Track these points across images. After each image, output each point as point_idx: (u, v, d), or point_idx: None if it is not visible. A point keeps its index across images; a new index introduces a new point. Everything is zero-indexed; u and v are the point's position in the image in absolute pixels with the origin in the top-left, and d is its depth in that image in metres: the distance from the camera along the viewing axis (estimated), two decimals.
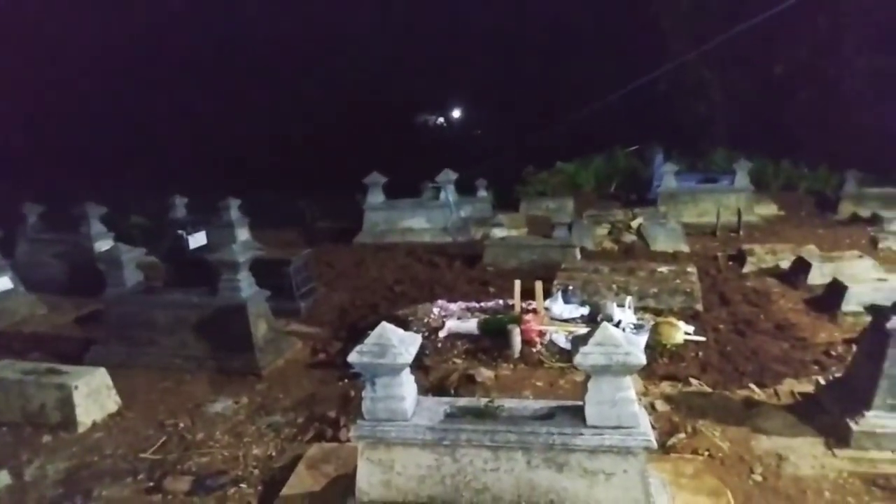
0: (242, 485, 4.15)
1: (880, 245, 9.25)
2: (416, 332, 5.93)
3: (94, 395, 5.13)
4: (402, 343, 3.19)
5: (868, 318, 4.43)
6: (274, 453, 4.54)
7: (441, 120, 27.59)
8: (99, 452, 4.65)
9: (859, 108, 14.81)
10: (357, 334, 6.22)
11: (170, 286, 7.09)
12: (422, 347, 5.68)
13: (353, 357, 3.20)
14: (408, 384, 3.29)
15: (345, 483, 3.58)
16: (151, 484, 4.19)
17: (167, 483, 4.15)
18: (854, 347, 5.25)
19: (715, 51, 15.23)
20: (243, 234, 10.38)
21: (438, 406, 3.44)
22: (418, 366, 5.37)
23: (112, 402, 5.28)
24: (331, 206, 13.45)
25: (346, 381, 5.44)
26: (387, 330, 3.21)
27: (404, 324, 6.10)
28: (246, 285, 6.10)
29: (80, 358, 6.12)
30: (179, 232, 8.62)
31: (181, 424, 5.01)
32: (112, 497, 4.11)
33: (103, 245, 8.49)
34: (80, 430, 4.93)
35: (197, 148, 18.37)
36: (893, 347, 4.00)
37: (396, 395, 3.23)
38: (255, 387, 5.69)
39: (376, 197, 11.64)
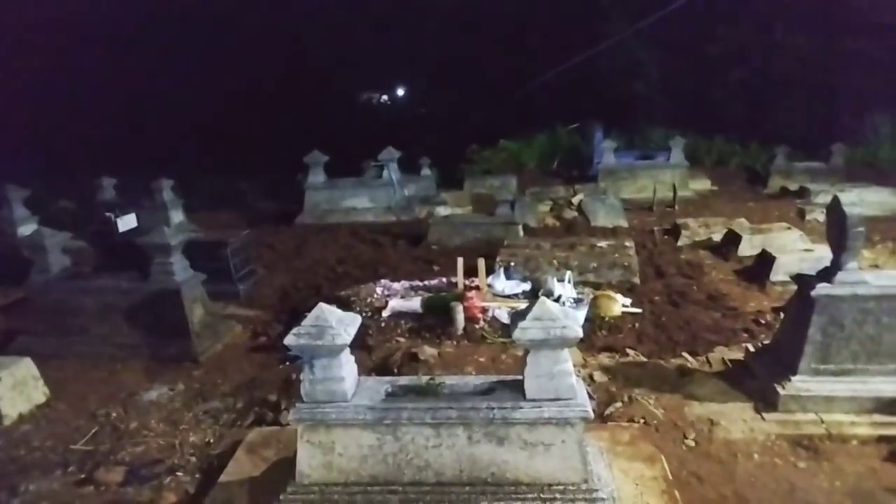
0: (179, 473, 4.04)
1: (807, 217, 9.68)
2: (359, 312, 5.91)
3: (19, 387, 4.89)
4: (340, 323, 3.14)
5: (794, 287, 4.62)
6: (212, 440, 4.43)
7: (385, 98, 27.25)
8: (26, 445, 4.44)
9: (789, 88, 15.41)
10: (298, 316, 6.08)
11: (98, 271, 6.78)
12: (364, 327, 5.69)
13: (289, 339, 3.13)
14: (347, 365, 3.25)
15: (285, 467, 3.52)
16: (83, 476, 4.03)
17: (99, 474, 4.00)
18: (781, 315, 5.48)
19: (652, 31, 15.52)
20: (178, 216, 10.03)
21: (379, 386, 3.42)
22: (361, 346, 5.34)
23: (40, 394, 5.04)
24: (271, 186, 13.14)
25: (287, 363, 5.34)
26: (324, 311, 3.15)
27: (347, 304, 6.03)
28: (180, 269, 5.89)
29: (4, 349, 5.80)
30: (107, 214, 8.23)
31: (114, 414, 4.83)
32: (40, 491, 3.93)
33: (27, 230, 8.06)
34: (6, 423, 4.70)
35: (131, 129, 17.57)
36: (817, 314, 4.19)
37: (336, 377, 3.18)
38: (193, 373, 5.53)
39: (317, 176, 11.42)
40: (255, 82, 18.86)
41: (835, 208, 4.17)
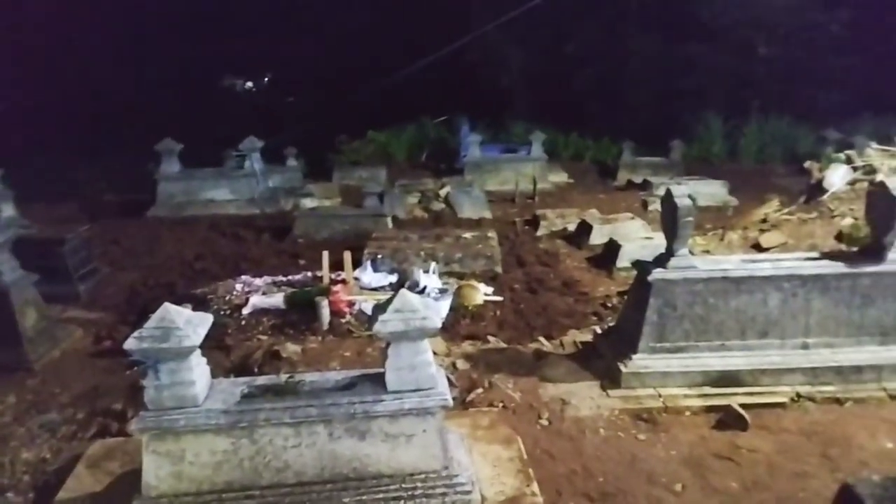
0: (9, 494, 3.67)
1: (650, 207, 10.53)
2: (217, 310, 5.65)
3: None
4: (188, 324, 2.97)
5: (635, 273, 5.01)
6: (48, 455, 4.05)
7: (249, 84, 26.00)
8: None
9: (635, 87, 16.65)
10: (148, 318, 5.71)
11: None
12: (223, 326, 5.46)
13: (130, 343, 2.92)
14: (198, 368, 3.09)
15: (131, 480, 3.28)
16: None
17: None
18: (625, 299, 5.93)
19: (515, 27, 16.10)
20: (7, 209, 8.96)
21: (234, 387, 3.28)
22: (218, 346, 5.11)
23: None
24: (119, 176, 12.12)
25: (134, 369, 4.98)
26: (170, 311, 2.96)
27: (203, 303, 5.74)
28: (7, 269, 5.31)
29: None
30: None
31: None
32: None
33: None
34: None
35: None
36: (654, 297, 4.58)
37: (185, 381, 3.01)
38: (26, 383, 5.03)
39: (171, 166, 10.70)
40: (103, 65, 17.24)
41: (668, 200, 4.57)
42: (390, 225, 9.02)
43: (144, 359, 2.99)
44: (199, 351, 3.08)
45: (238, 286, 6.31)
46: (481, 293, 6.19)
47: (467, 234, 8.05)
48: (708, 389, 4.49)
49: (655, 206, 10.37)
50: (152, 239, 9.01)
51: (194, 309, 4.02)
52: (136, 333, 2.94)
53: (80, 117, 15.98)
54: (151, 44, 17.75)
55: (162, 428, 3.02)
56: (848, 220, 8.05)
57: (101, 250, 7.96)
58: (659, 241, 7.32)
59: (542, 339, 5.47)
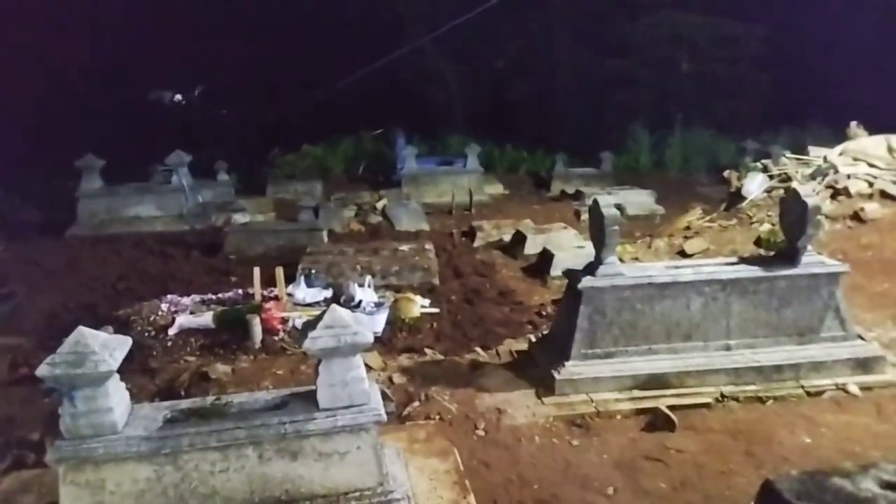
0: None
1: (582, 217, 10.76)
2: (141, 332, 5.43)
3: None
4: (104, 348, 2.84)
5: (567, 281, 5.11)
6: None
7: (178, 97, 25.23)
8: None
9: (566, 100, 17.11)
10: None
11: None
12: (147, 348, 5.25)
13: (42, 370, 2.76)
14: (116, 394, 2.94)
15: None
16: None
17: None
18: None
19: (448, 41, 16.32)
20: None
21: (157, 412, 3.14)
22: (143, 369, 4.91)
23: None
24: (36, 193, 11.50)
25: (52, 396, 4.70)
26: (84, 335, 2.82)
27: (126, 324, 5.51)
28: None
29: None
30: None
31: None
32: None
33: None
34: None
35: None
36: (584, 305, 4.68)
37: (102, 408, 2.86)
38: None
39: (92, 182, 10.24)
40: (19, 76, 16.35)
41: (595, 210, 4.71)
42: (326, 239, 8.92)
43: (58, 386, 2.83)
44: (116, 376, 2.94)
45: (164, 306, 6.09)
46: (418, 305, 6.19)
47: (404, 247, 8.04)
48: (637, 393, 4.62)
49: (587, 215, 10.66)
50: (73, 259, 8.57)
51: (116, 331, 3.87)
52: (48, 360, 2.79)
53: None
54: (72, 53, 16.99)
55: (79, 457, 2.86)
56: (766, 226, 8.48)
57: (18, 272, 7.53)
58: (591, 250, 7.53)
59: (478, 349, 5.50)
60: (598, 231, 4.69)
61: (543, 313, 6.35)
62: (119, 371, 2.96)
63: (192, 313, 5.88)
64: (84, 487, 2.92)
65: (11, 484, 3.67)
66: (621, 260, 4.95)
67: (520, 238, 8.70)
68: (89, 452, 2.87)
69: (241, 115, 18.55)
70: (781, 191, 8.54)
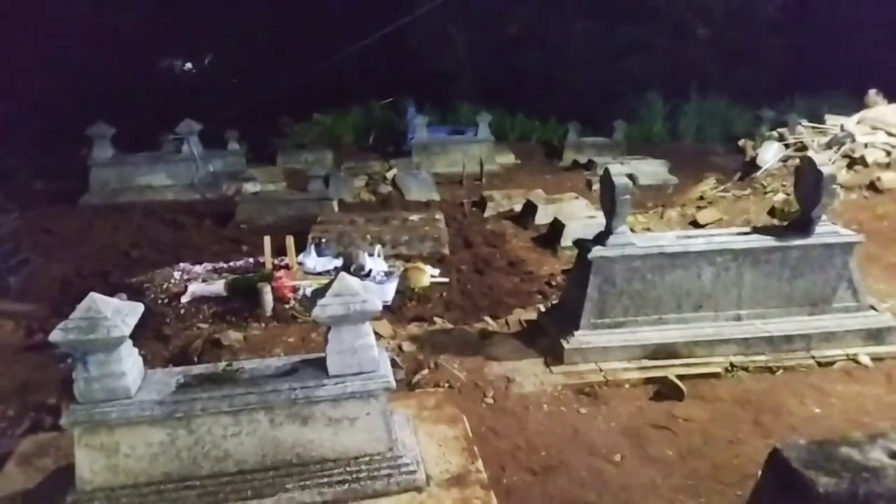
0: None
1: (594, 187, 10.69)
2: (154, 299, 5.49)
3: None
4: (116, 314, 2.87)
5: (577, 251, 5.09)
6: None
7: (189, 66, 25.06)
8: None
9: (578, 68, 16.81)
10: None
11: None
12: (161, 315, 5.31)
13: (56, 335, 2.81)
14: (129, 359, 2.99)
15: (65, 475, 3.17)
16: None
17: None
18: None
19: (459, 8, 16.01)
20: None
21: (170, 377, 3.19)
22: (156, 336, 4.97)
23: None
24: (49, 162, 11.55)
25: (68, 361, 4.78)
26: (96, 301, 2.86)
27: (140, 291, 5.57)
28: None
29: None
30: None
31: None
32: None
33: None
34: None
35: None
36: (594, 274, 4.67)
37: (115, 373, 2.91)
38: None
39: (104, 151, 10.25)
40: (31, 46, 16.27)
41: (606, 179, 4.66)
42: (336, 209, 8.90)
43: (72, 351, 2.87)
44: (129, 341, 2.98)
45: (176, 274, 6.14)
46: (428, 275, 6.19)
47: (414, 217, 8.02)
48: (646, 362, 4.63)
49: (599, 185, 10.57)
50: (85, 227, 8.65)
51: (130, 298, 3.90)
52: (61, 325, 2.83)
53: (5, 101, 15.11)
54: (83, 23, 16.87)
55: (93, 421, 2.92)
56: (780, 196, 8.38)
57: (32, 240, 7.60)
58: (602, 220, 7.49)
59: (487, 318, 5.51)
60: (609, 200, 4.65)
61: (553, 283, 6.34)
62: (133, 337, 3.00)
63: (204, 281, 5.93)
64: (98, 450, 2.98)
65: (28, 447, 3.75)
66: (632, 230, 4.91)
67: (530, 208, 8.65)
68: (103, 416, 2.92)
69: (252, 84, 18.42)
70: (797, 160, 8.40)
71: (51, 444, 3.75)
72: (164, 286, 5.84)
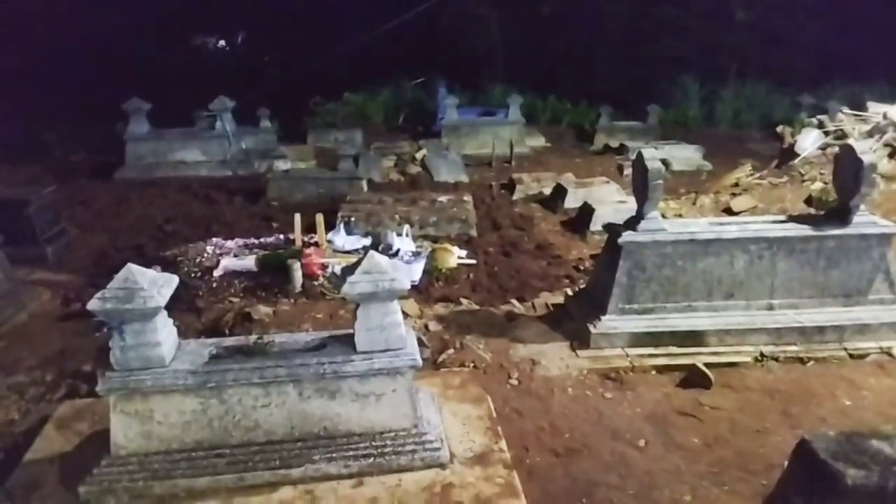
0: None
1: (625, 172, 10.54)
2: (187, 272, 5.60)
3: None
4: (152, 285, 2.94)
5: (607, 236, 5.05)
6: (17, 417, 4.03)
7: (222, 43, 25.24)
8: None
9: (613, 50, 16.52)
10: None
11: None
12: (194, 288, 5.42)
13: (93, 304, 2.88)
14: (164, 329, 3.06)
15: (101, 439, 3.28)
16: None
17: None
18: None
19: None
20: None
21: (202, 348, 3.27)
22: (189, 308, 5.08)
23: None
24: (86, 136, 11.79)
25: (104, 330, 4.92)
26: (133, 272, 2.93)
27: (174, 265, 5.68)
28: None
29: None
30: None
31: None
32: None
33: None
34: None
35: None
36: (624, 259, 4.63)
37: (150, 342, 2.99)
38: None
39: (140, 126, 10.44)
40: (70, 24, 16.53)
41: (638, 163, 4.59)
42: (365, 188, 8.94)
43: (108, 320, 2.95)
44: (164, 312, 3.05)
45: (209, 249, 6.25)
46: (455, 256, 6.21)
47: (443, 198, 8.01)
48: (674, 349, 4.59)
49: (630, 169, 10.43)
50: (121, 201, 8.84)
51: (164, 271, 3.98)
52: (98, 294, 2.91)
53: (46, 77, 15.42)
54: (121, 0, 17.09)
55: (128, 388, 3.01)
56: (818, 185, 8.16)
57: (69, 212, 7.80)
58: (632, 205, 7.39)
59: (514, 301, 5.51)
60: (641, 185, 4.58)
61: (581, 268, 6.30)
62: (167, 308, 3.07)
63: (235, 256, 6.03)
64: (133, 416, 3.08)
65: (65, 411, 3.88)
66: (664, 216, 4.84)
67: (560, 191, 8.58)
68: (138, 384, 3.01)
69: (284, 63, 18.50)
70: (836, 148, 8.16)
71: (87, 409, 3.87)
72: (197, 260, 5.95)
